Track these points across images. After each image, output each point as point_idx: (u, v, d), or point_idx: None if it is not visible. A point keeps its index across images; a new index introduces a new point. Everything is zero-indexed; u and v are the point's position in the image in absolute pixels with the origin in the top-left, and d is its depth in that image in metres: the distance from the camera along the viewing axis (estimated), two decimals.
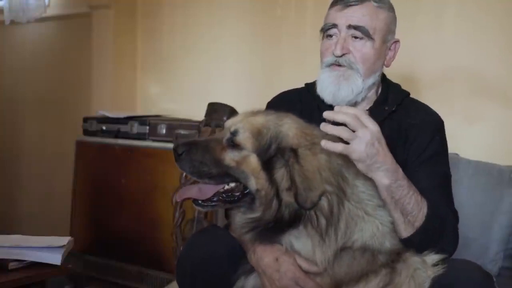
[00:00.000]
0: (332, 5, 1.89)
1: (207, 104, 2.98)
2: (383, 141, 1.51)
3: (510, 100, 2.68)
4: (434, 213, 1.62)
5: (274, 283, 1.55)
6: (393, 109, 1.88)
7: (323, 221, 1.48)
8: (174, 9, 3.82)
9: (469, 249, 2.40)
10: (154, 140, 3.28)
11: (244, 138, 1.53)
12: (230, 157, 1.54)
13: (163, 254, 3.13)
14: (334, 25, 1.85)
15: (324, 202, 1.47)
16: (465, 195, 2.44)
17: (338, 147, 1.46)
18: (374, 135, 1.48)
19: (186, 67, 3.76)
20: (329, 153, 1.50)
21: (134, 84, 4.00)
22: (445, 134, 1.90)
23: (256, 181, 1.51)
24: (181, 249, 1.93)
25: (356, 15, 1.81)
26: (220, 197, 1.56)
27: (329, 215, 1.47)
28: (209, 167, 1.53)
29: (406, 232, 1.58)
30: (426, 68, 2.86)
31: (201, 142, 1.59)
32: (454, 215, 1.76)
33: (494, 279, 1.57)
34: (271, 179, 1.49)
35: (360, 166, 1.49)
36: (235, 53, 3.55)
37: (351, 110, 1.50)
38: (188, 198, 1.59)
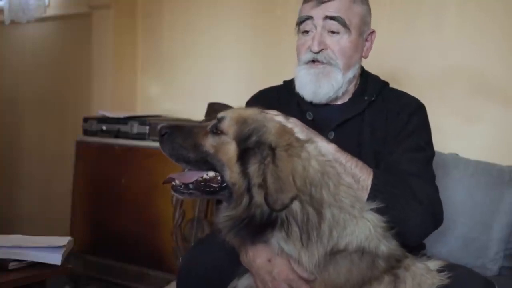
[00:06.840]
0: (306, 0, 1.90)
1: (207, 104, 2.98)
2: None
3: (510, 100, 2.68)
4: (393, 181, 1.65)
5: (267, 285, 1.50)
6: (373, 98, 1.87)
7: (295, 228, 1.44)
8: (174, 9, 3.82)
9: (469, 249, 2.41)
10: (154, 140, 3.27)
11: (228, 124, 1.52)
12: (210, 142, 1.52)
13: (163, 254, 3.13)
14: (309, 17, 1.86)
15: (297, 208, 1.44)
16: (465, 195, 2.45)
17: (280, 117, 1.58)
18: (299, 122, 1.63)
19: (186, 67, 3.76)
20: (306, 159, 1.48)
21: (134, 84, 4.00)
22: (425, 116, 1.88)
23: (230, 174, 1.49)
24: (180, 262, 1.88)
25: (331, 8, 1.83)
26: (198, 185, 1.54)
27: (305, 221, 1.44)
28: (188, 151, 1.53)
29: (365, 198, 1.61)
30: (426, 68, 2.86)
31: (186, 127, 1.59)
32: (429, 186, 1.72)
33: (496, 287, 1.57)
34: (245, 172, 1.46)
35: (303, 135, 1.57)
36: (235, 53, 3.55)
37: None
38: (169, 181, 1.57)
